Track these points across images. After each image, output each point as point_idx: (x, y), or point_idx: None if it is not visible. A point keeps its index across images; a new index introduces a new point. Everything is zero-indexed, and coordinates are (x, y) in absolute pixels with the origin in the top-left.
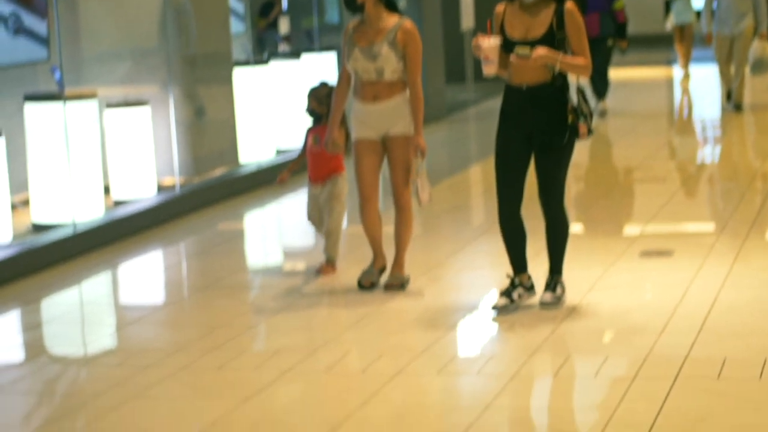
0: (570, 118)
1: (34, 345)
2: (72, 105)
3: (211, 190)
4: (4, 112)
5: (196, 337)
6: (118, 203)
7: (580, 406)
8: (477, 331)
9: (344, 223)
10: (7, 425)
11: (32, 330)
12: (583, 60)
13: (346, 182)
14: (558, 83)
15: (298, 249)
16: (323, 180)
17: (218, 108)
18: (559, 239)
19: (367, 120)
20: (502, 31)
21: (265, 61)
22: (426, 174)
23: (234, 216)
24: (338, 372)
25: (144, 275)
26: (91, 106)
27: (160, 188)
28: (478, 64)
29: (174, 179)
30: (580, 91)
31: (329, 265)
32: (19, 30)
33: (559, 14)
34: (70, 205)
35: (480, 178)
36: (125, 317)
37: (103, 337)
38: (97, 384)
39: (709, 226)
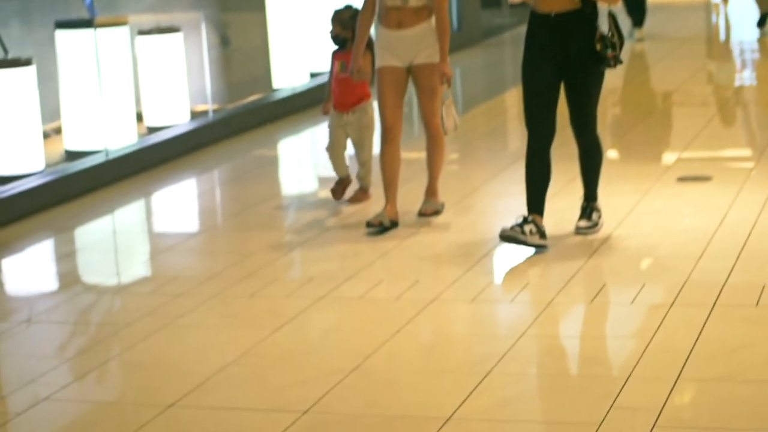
0: (598, 47)
1: (67, 274)
2: (103, 32)
3: (244, 117)
4: (36, 39)
5: (227, 264)
6: (151, 130)
7: (616, 334)
8: (511, 260)
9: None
10: (40, 355)
11: (65, 259)
12: None
13: (373, 109)
14: (588, 11)
15: (332, 176)
16: (350, 108)
17: (251, 33)
18: (593, 166)
19: (392, 47)
20: None
21: None
22: (452, 102)
23: (268, 142)
24: (371, 299)
25: (177, 202)
26: (122, 33)
27: (194, 115)
28: None
29: (207, 106)
30: (613, 18)
31: (363, 192)
32: None
33: None
34: (102, 132)
35: (515, 103)
36: (157, 245)
37: (135, 266)
38: (129, 313)
39: (747, 152)
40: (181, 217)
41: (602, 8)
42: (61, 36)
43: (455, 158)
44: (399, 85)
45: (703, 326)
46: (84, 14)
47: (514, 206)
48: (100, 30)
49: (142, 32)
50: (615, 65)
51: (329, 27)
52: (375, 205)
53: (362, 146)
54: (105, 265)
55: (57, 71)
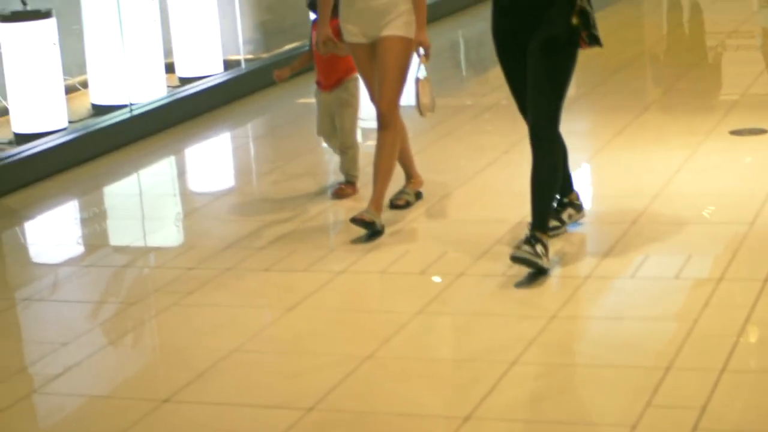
0: (574, 20)
1: (78, 244)
2: None
3: (279, 66)
4: None
5: (247, 233)
6: (183, 81)
7: (656, 315)
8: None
9: (359, 135)
10: (33, 341)
11: (77, 226)
12: None
13: (358, 86)
14: None
15: (370, 130)
16: (333, 86)
17: None
18: (546, 181)
19: (356, 18)
20: None
21: None
22: (429, 79)
23: (305, 94)
24: (394, 274)
25: (204, 161)
26: None
27: (228, 64)
28: None
29: (239, 56)
30: None
31: (349, 185)
32: None
33: None
34: (127, 86)
35: None
36: (177, 210)
37: (149, 234)
38: (136, 290)
39: None
40: (207, 178)
41: None
42: None
43: (487, 119)
44: (374, 65)
45: (754, 305)
46: None
47: None
48: None
49: None
50: (590, 45)
51: None
52: (366, 197)
53: (343, 128)
54: (119, 234)
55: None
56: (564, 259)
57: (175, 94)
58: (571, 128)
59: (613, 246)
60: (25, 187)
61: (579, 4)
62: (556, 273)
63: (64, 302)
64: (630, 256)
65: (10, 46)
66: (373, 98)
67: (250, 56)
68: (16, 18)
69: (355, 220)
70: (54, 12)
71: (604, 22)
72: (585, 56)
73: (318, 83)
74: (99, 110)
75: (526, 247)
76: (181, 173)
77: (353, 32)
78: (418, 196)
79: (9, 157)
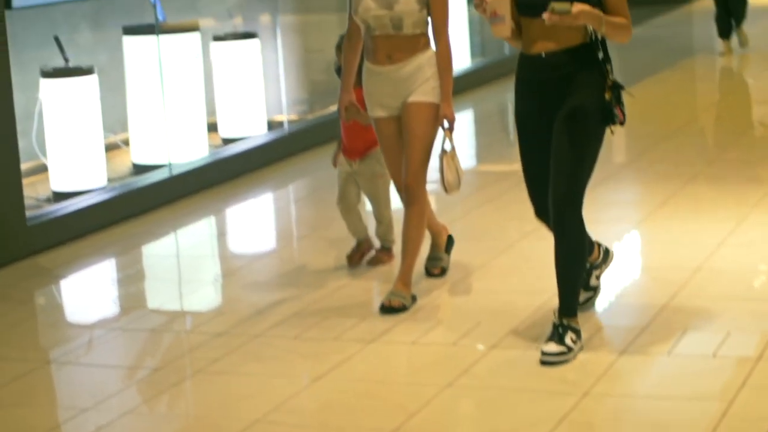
0: (607, 95)
1: (110, 305)
2: (172, 38)
3: (323, 128)
4: (107, 45)
5: (278, 298)
6: (226, 141)
7: (692, 395)
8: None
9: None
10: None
11: (111, 286)
12: (625, 20)
13: None
14: (594, 49)
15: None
16: (361, 155)
17: (331, 39)
18: (573, 266)
19: (381, 90)
20: None
21: None
22: (455, 154)
23: None
24: (425, 345)
25: (241, 223)
26: (193, 38)
27: (271, 125)
28: None
29: (283, 116)
30: (608, 59)
31: (384, 251)
32: None
33: None
34: (169, 144)
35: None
36: (210, 273)
37: (181, 298)
38: (162, 355)
39: None
40: (244, 240)
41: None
42: (128, 42)
43: None
44: (401, 138)
45: None
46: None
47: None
48: (169, 36)
49: (217, 38)
50: (623, 123)
51: (335, 59)
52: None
53: (377, 199)
54: (151, 296)
55: (124, 79)
56: (599, 333)
57: (216, 154)
58: (616, 198)
59: (651, 321)
60: (62, 245)
61: (611, 78)
62: (590, 347)
63: (89, 366)
64: (667, 332)
65: (51, 102)
66: (395, 177)
67: (294, 117)
68: (57, 74)
69: (385, 309)
70: (96, 69)
71: (654, 88)
72: (634, 123)
73: (344, 150)
74: (139, 169)
75: (553, 347)
76: (219, 234)
77: (378, 105)
78: (450, 242)
79: (46, 214)
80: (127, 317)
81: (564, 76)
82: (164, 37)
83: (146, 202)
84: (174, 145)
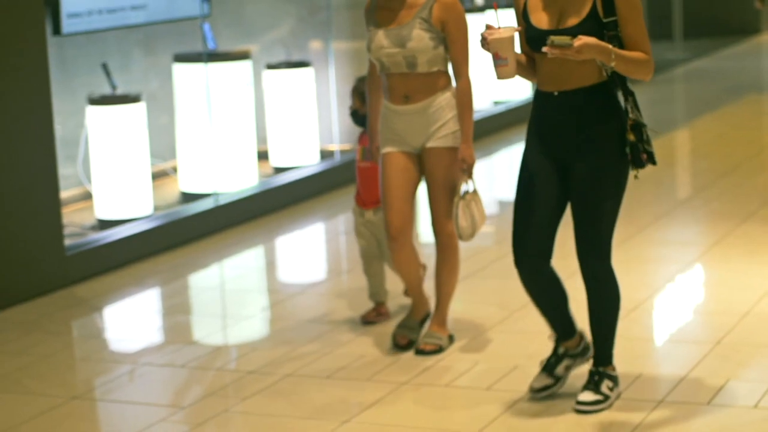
0: (631, 137)
1: (147, 337)
2: (222, 66)
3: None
4: (158, 72)
5: (315, 335)
6: (278, 170)
7: None
8: (621, 344)
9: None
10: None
11: (149, 317)
12: (643, 55)
13: None
14: (613, 87)
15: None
16: (375, 204)
17: None
18: (605, 313)
19: (398, 128)
20: (525, 19)
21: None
22: (476, 197)
23: None
24: (458, 388)
25: (290, 254)
26: (244, 67)
27: (323, 155)
28: (688, 20)
29: (335, 146)
30: (630, 96)
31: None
32: None
33: None
34: (216, 173)
35: (684, 143)
36: (250, 306)
37: (218, 332)
38: (193, 391)
39: None
40: (289, 273)
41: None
42: (179, 69)
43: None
44: (407, 177)
45: None
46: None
47: (651, 271)
48: (219, 64)
49: (270, 66)
50: (645, 164)
51: (350, 101)
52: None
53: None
54: (187, 330)
55: (174, 107)
56: (639, 379)
57: (266, 183)
58: (668, 237)
59: (693, 368)
60: (102, 275)
61: (632, 117)
62: (627, 395)
63: (114, 402)
64: (708, 381)
65: (97, 129)
66: (389, 217)
67: (346, 147)
68: (104, 101)
69: (419, 352)
70: (146, 96)
71: (716, 123)
72: (693, 158)
73: (358, 199)
74: (188, 197)
75: (589, 395)
76: (263, 267)
77: (393, 142)
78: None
79: (86, 243)
80: (159, 352)
81: (579, 121)
82: (214, 65)
83: (191, 232)
84: (222, 174)
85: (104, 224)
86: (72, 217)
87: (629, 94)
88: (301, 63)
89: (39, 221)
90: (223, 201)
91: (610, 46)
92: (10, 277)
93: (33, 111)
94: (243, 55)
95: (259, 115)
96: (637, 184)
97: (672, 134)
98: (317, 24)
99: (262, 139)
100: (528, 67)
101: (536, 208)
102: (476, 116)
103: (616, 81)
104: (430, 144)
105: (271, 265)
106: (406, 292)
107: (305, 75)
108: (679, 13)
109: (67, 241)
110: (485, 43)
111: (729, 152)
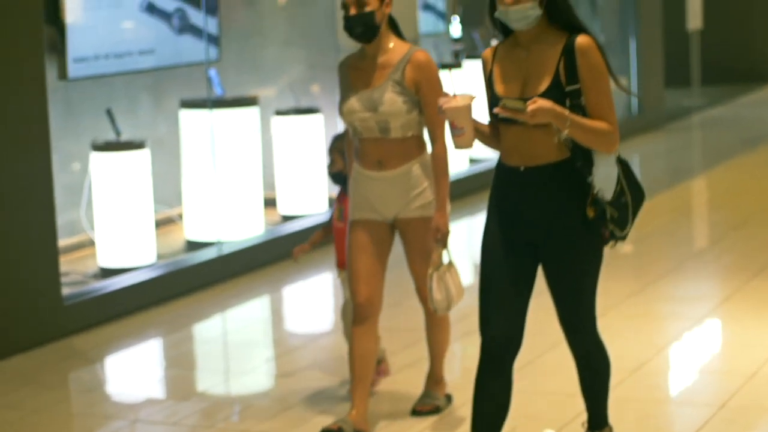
0: (590, 213)
1: (139, 392)
2: (229, 112)
3: None
4: (165, 117)
5: (310, 392)
6: (285, 218)
7: None
8: (624, 405)
9: None
10: None
11: (143, 371)
12: (606, 125)
13: None
14: (578, 162)
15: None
16: None
17: None
18: (596, 381)
19: (369, 194)
20: (489, 87)
21: (459, 64)
22: (451, 269)
23: None
24: None
25: (295, 305)
26: (251, 113)
27: (332, 202)
28: (706, 68)
29: None
30: (624, 165)
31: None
32: (185, 28)
33: (568, 53)
34: (221, 222)
35: (701, 191)
36: (247, 360)
37: (214, 387)
38: None
39: None
40: (291, 325)
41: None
42: (185, 115)
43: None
44: (378, 246)
45: None
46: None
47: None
48: (226, 110)
49: (279, 112)
50: (613, 242)
51: (329, 159)
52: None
53: None
54: (182, 385)
55: (180, 154)
56: None
57: (272, 232)
58: (678, 293)
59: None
60: (101, 326)
61: (593, 193)
62: None
63: None
64: None
65: (101, 175)
66: (355, 287)
67: None
68: (108, 148)
69: (416, 413)
70: (151, 142)
71: (729, 172)
72: (707, 209)
73: (338, 264)
74: (193, 246)
75: None
76: (267, 318)
77: (364, 209)
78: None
79: (86, 293)
80: (153, 407)
81: (545, 199)
82: (220, 111)
83: (195, 281)
84: (227, 222)
85: (106, 272)
86: (74, 265)
87: (588, 164)
88: (311, 109)
89: (36, 270)
90: (227, 250)
91: (567, 112)
92: (6, 327)
93: (32, 159)
94: (250, 101)
95: (268, 161)
96: (649, 236)
97: (687, 184)
98: (326, 69)
99: (270, 185)
100: (491, 136)
101: (502, 290)
102: (453, 176)
103: (579, 155)
104: (405, 215)
105: (275, 316)
106: (350, 389)
107: (314, 121)
108: (696, 60)
109: (66, 290)
110: (441, 111)
111: (742, 203)
